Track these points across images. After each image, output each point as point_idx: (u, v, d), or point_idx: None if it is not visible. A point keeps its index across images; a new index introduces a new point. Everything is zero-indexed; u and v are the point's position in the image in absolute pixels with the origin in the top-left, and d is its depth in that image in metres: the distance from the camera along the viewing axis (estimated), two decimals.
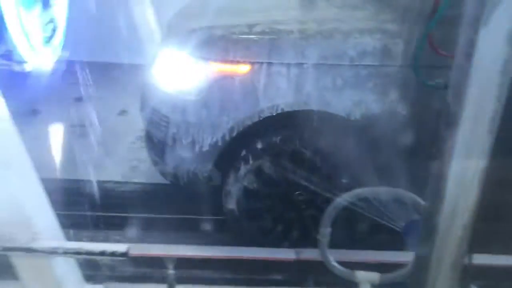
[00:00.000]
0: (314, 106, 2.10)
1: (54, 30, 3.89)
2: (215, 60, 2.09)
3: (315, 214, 2.29)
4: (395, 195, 1.75)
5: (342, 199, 1.74)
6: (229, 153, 2.22)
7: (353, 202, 1.76)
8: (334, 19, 2.23)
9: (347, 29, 2.11)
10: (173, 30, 2.36)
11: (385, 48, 2.07)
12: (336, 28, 2.11)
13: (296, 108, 2.10)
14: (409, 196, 1.70)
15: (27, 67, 3.51)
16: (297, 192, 2.31)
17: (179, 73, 2.16)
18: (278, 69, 2.04)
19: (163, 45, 2.37)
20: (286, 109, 2.09)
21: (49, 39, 3.84)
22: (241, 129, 2.13)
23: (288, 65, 2.04)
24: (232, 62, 2.07)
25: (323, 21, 2.17)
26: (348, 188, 1.80)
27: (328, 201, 2.18)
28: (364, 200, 1.76)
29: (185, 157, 2.20)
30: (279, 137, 2.20)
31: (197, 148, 2.17)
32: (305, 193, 2.29)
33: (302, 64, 2.05)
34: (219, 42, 2.11)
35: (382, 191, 1.76)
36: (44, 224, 1.65)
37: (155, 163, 2.40)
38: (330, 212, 1.75)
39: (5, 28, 3.05)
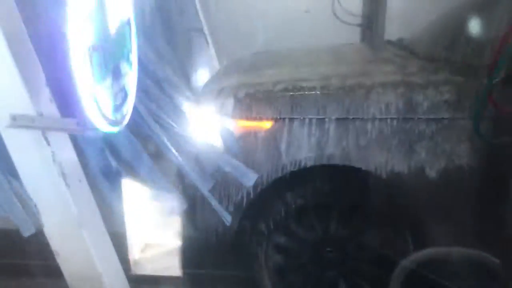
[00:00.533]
0: (340, 160, 2.08)
1: (124, 98, 4.21)
2: (239, 118, 2.16)
3: (346, 272, 2.22)
4: (470, 256, 1.63)
5: (410, 260, 1.65)
6: (254, 209, 2.22)
7: (422, 263, 1.66)
8: (359, 73, 2.26)
9: (369, 83, 2.11)
10: (204, 91, 2.50)
11: (410, 101, 2.04)
12: (359, 83, 2.12)
13: (321, 163, 2.09)
14: (487, 257, 1.58)
15: (99, 133, 3.80)
16: (327, 249, 2.25)
17: (207, 131, 2.25)
18: (301, 124, 2.07)
19: (196, 106, 2.51)
20: (309, 164, 2.08)
21: (119, 107, 4.14)
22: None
23: (311, 120, 2.07)
24: (255, 119, 2.14)
25: (347, 76, 2.20)
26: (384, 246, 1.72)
27: (361, 258, 2.09)
28: (432, 261, 1.67)
29: (212, 214, 2.23)
30: (305, 192, 2.19)
31: (223, 205, 2.20)
32: (335, 250, 2.22)
33: (324, 119, 2.07)
34: (242, 101, 2.18)
35: (456, 252, 1.66)
36: (114, 280, 1.75)
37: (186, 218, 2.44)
38: (398, 274, 1.65)
39: (79, 99, 3.36)
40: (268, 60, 2.97)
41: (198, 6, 3.76)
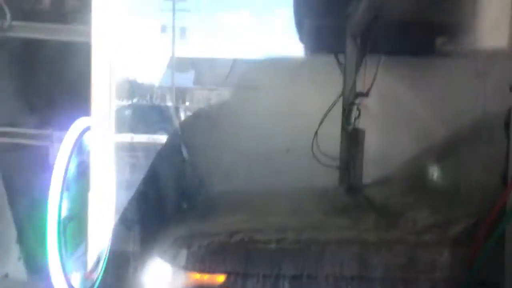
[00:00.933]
0: None
1: (96, 264, 4.21)
2: (192, 270, 2.20)
3: None
4: None
5: None
6: None
7: None
8: (315, 227, 2.32)
9: (324, 239, 2.19)
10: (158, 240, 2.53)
11: (363, 261, 2.09)
12: (314, 238, 2.19)
13: None
14: None
15: None
16: None
17: (160, 282, 2.29)
18: (256, 280, 2.11)
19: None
20: None
21: (90, 273, 4.12)
22: None
23: (265, 277, 2.12)
24: (209, 272, 2.18)
25: (303, 230, 2.27)
26: None
27: None
28: None
29: None
30: None
31: None
32: None
33: (279, 275, 2.12)
34: (196, 252, 2.23)
35: None
36: None
37: None
38: None
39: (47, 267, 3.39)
40: (227, 204, 3.03)
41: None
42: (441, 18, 4.57)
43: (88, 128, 1.60)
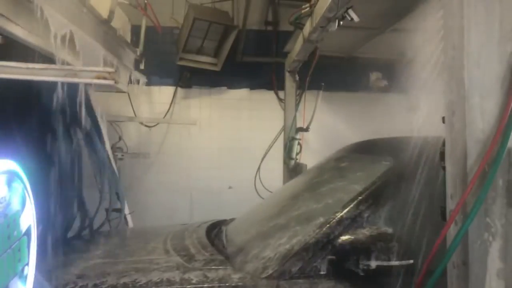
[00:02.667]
0: None
1: None
2: None
3: None
4: None
5: None
6: None
7: None
8: (139, 269, 2.08)
9: (144, 282, 1.93)
10: None
11: None
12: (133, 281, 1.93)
13: None
14: None
15: None
16: None
17: None
18: None
19: None
20: None
21: None
22: None
23: None
24: None
25: (126, 272, 2.02)
26: None
27: None
28: None
29: None
30: None
31: None
32: None
33: None
34: None
35: None
36: None
37: None
38: None
39: None
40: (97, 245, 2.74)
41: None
42: (374, 55, 4.81)
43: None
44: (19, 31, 2.16)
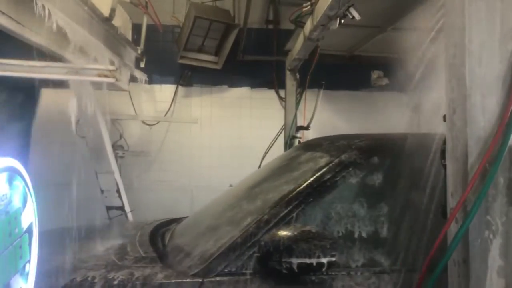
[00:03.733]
0: None
1: None
2: None
3: None
4: None
5: None
6: None
7: None
8: None
9: None
10: None
11: None
12: None
13: None
14: None
15: None
16: None
17: None
18: None
19: None
20: None
21: None
22: None
23: None
24: None
25: None
26: None
27: None
28: None
29: None
30: None
31: None
32: None
33: None
34: None
35: None
36: None
37: None
38: None
39: None
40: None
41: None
42: (375, 53, 4.80)
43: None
44: (20, 29, 2.16)
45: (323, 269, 1.85)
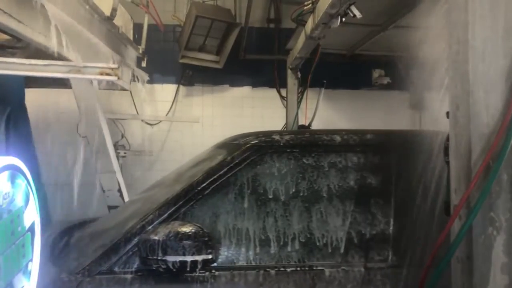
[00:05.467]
0: None
1: None
2: None
3: None
4: None
5: None
6: None
7: None
8: None
9: None
10: None
11: None
12: None
13: None
14: None
15: None
16: None
17: None
18: None
19: None
20: None
21: None
22: None
23: None
24: None
25: None
26: None
27: None
28: None
29: None
30: None
31: None
32: None
33: None
34: None
35: None
36: None
37: None
38: None
39: None
40: None
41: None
42: (377, 52, 4.79)
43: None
44: (21, 28, 2.16)
45: (198, 267, 1.87)
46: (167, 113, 5.42)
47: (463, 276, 1.22)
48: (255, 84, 5.54)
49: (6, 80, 2.41)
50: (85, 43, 2.64)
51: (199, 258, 1.86)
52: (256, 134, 2.35)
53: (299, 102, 4.58)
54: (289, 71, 4.64)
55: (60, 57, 2.21)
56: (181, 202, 2.03)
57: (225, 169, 2.10)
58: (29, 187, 1.65)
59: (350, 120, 5.17)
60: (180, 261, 1.85)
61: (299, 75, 4.57)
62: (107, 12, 3.09)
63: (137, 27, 4.44)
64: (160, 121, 5.31)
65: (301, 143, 2.22)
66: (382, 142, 2.26)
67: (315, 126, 4.33)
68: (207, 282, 1.91)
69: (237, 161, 2.12)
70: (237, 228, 2.02)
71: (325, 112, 4.70)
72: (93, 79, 2.09)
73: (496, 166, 1.13)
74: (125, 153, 4.82)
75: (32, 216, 1.69)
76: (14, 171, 1.51)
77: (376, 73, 5.21)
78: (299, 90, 4.60)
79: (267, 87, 5.53)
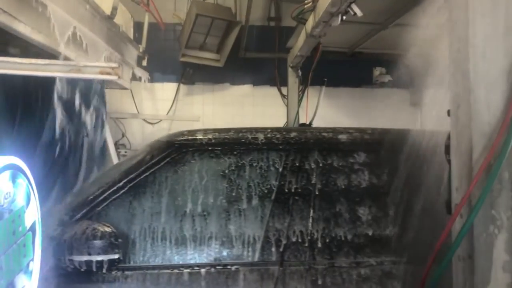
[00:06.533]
0: None
1: None
2: None
3: None
4: None
5: None
6: None
7: None
8: None
9: None
10: None
11: None
12: None
13: None
14: None
15: None
16: None
17: None
18: None
19: None
20: None
21: None
22: None
23: None
24: None
25: None
26: None
27: None
28: None
29: None
30: None
31: None
32: None
33: None
34: None
35: None
36: None
37: None
38: None
39: None
40: None
41: None
42: (377, 50, 4.79)
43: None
44: (22, 27, 2.16)
45: (105, 267, 1.85)
46: (168, 112, 5.41)
47: (464, 274, 1.22)
48: (255, 82, 5.54)
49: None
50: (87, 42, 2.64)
51: (105, 257, 1.84)
52: (184, 133, 2.31)
53: (300, 100, 4.57)
54: (289, 69, 4.63)
55: (60, 57, 2.21)
56: (96, 202, 2.00)
57: (143, 168, 2.06)
58: (30, 187, 1.64)
59: (351, 118, 5.17)
60: (86, 261, 1.84)
61: (300, 73, 4.56)
62: (107, 11, 3.09)
63: (138, 26, 4.43)
64: (161, 120, 5.31)
65: (224, 142, 2.17)
66: (306, 141, 2.22)
67: (316, 124, 4.33)
68: (118, 282, 1.90)
69: (156, 160, 2.09)
70: (152, 227, 1.98)
71: (326, 110, 4.68)
72: (93, 79, 2.10)
73: (497, 164, 1.13)
74: (125, 152, 4.81)
75: (33, 216, 1.69)
76: (15, 170, 1.51)
77: (377, 71, 5.20)
78: (300, 88, 4.59)
79: (267, 85, 5.53)
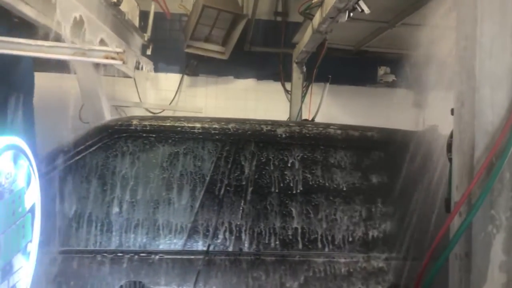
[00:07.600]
0: None
1: None
2: None
3: None
4: None
5: None
6: None
7: None
8: None
9: None
10: None
11: None
12: None
13: None
14: None
15: None
16: None
17: None
18: None
19: None
20: None
21: None
22: None
23: None
24: None
25: None
26: None
27: None
28: None
29: None
30: None
31: None
32: None
33: None
34: None
35: None
36: None
37: None
38: None
39: None
40: None
41: None
42: (383, 49, 4.78)
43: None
44: (29, 10, 2.15)
45: None
46: (170, 102, 5.41)
47: (461, 273, 1.22)
48: (260, 76, 5.53)
49: (18, 63, 2.41)
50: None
51: None
52: (123, 119, 2.31)
53: (303, 96, 4.57)
54: (294, 65, 4.62)
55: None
56: None
57: (73, 152, 2.08)
58: (31, 169, 1.65)
59: (353, 117, 5.16)
60: None
61: (305, 69, 4.55)
62: None
63: (143, 15, 4.42)
64: (163, 110, 5.30)
65: (159, 129, 2.18)
66: (241, 133, 2.24)
67: (318, 121, 4.33)
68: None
69: (88, 144, 2.10)
70: (78, 212, 2.00)
71: (329, 108, 4.69)
72: (98, 63, 2.09)
73: (499, 164, 1.13)
74: None
75: (33, 197, 1.70)
76: (17, 151, 1.52)
77: (381, 70, 5.19)
78: (304, 85, 4.59)
79: (271, 80, 5.52)
